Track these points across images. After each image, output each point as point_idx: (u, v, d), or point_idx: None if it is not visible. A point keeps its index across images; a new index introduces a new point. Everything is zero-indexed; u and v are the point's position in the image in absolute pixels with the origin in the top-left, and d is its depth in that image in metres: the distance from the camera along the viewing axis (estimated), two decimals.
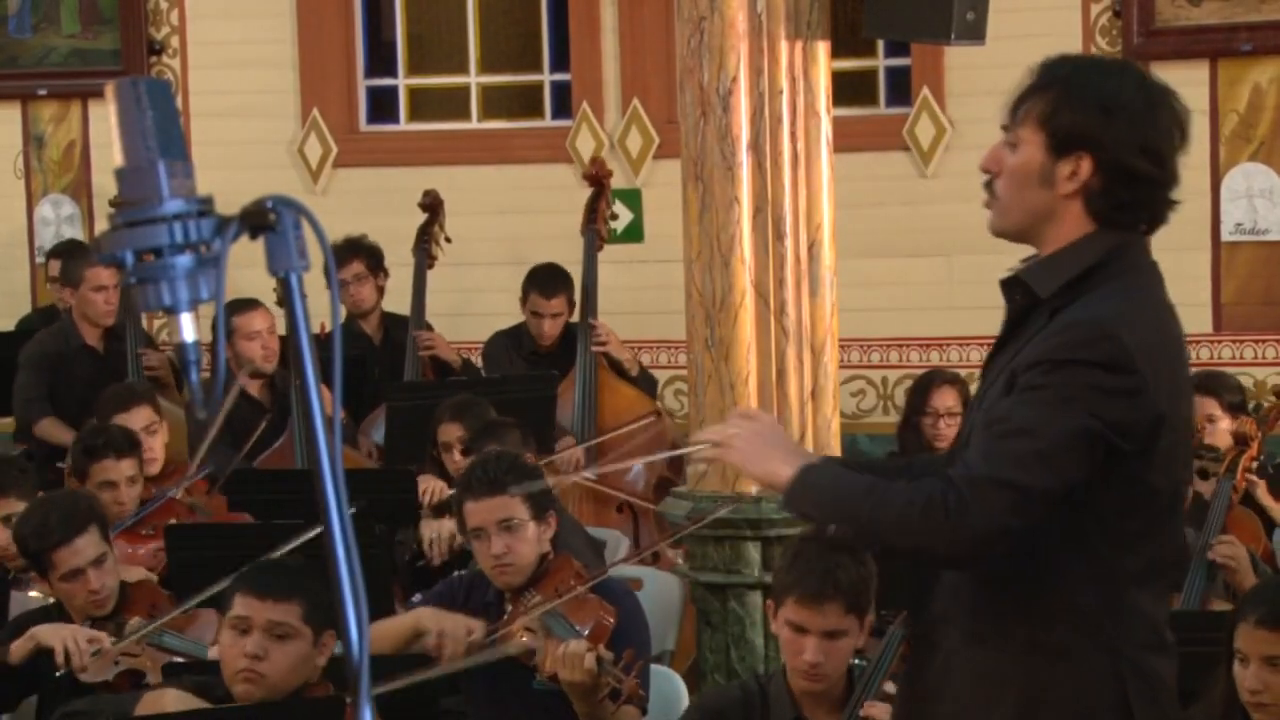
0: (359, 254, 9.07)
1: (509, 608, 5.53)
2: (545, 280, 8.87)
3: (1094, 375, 3.41)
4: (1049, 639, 3.50)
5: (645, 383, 8.89)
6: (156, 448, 7.52)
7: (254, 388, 8.41)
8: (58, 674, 5.50)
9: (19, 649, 5.51)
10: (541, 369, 8.65)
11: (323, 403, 2.40)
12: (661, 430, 8.53)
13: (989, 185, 3.61)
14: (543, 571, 5.55)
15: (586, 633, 5.31)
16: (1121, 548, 3.51)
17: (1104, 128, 3.50)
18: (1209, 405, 7.70)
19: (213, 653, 5.30)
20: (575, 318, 8.87)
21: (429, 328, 9.10)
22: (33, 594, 6.29)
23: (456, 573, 5.96)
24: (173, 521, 6.78)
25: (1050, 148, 3.52)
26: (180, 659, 5.57)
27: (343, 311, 9.05)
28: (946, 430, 7.68)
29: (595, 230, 8.84)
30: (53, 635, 5.50)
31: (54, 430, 8.63)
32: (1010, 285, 3.63)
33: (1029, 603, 3.51)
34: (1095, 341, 3.44)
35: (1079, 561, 3.48)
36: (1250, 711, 4.57)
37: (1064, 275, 3.52)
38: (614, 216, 9.02)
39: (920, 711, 3.70)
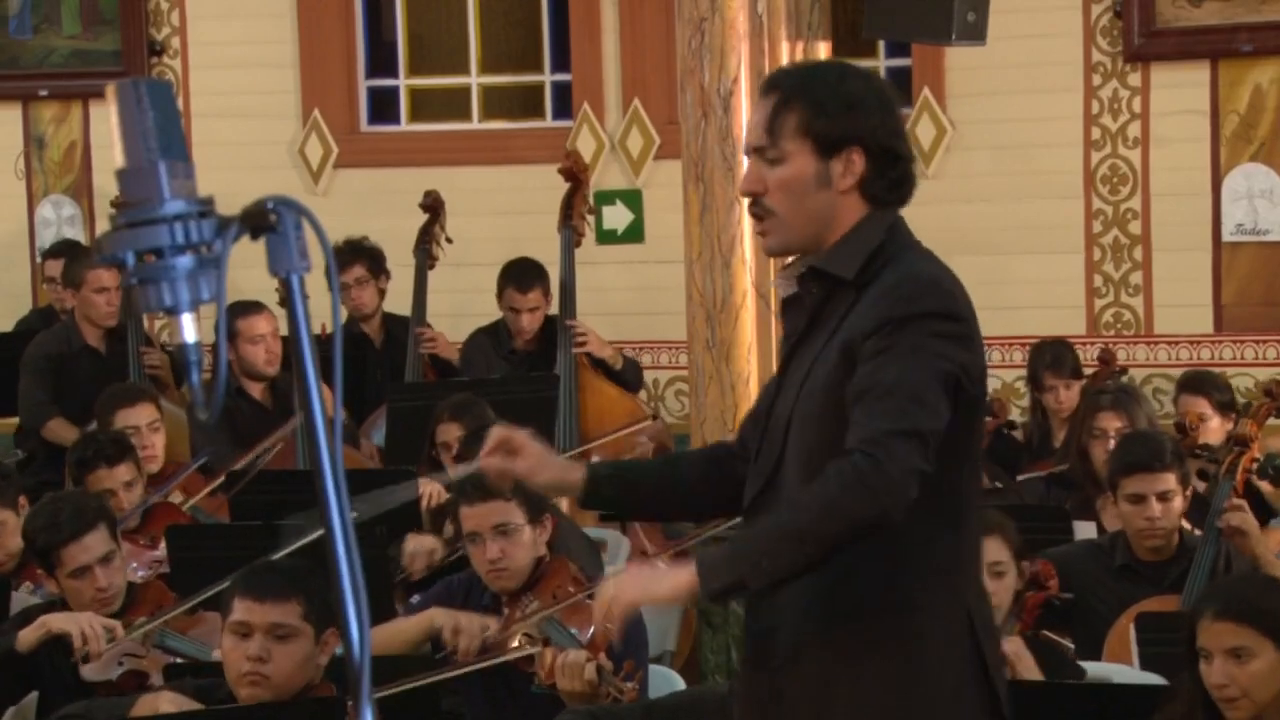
0: (361, 257, 9.04)
1: (505, 611, 5.53)
2: (519, 274, 8.81)
3: (934, 324, 3.58)
4: (904, 598, 3.62)
5: (631, 373, 8.79)
6: (158, 445, 7.53)
7: (256, 390, 8.40)
8: (72, 660, 5.48)
9: (29, 636, 5.49)
10: (521, 368, 8.62)
11: (324, 403, 2.40)
12: (658, 431, 8.49)
13: (757, 206, 3.72)
14: (539, 575, 5.55)
15: (586, 640, 5.30)
16: (960, 494, 3.67)
17: (861, 121, 3.67)
18: (1199, 404, 7.72)
19: (215, 655, 5.30)
20: (555, 311, 8.80)
21: (429, 328, 9.09)
22: (29, 594, 6.29)
23: (456, 575, 5.95)
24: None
25: (818, 152, 3.67)
26: (182, 660, 5.57)
27: (343, 313, 9.04)
28: None
29: (573, 227, 8.76)
30: (68, 621, 5.49)
31: (63, 430, 8.61)
32: (803, 281, 3.73)
33: (880, 567, 3.60)
34: (927, 292, 3.61)
35: (925, 520, 3.58)
36: (1223, 709, 4.55)
37: (860, 255, 3.68)
38: (591, 211, 8.94)
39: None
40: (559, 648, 5.23)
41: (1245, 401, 8.36)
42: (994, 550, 5.39)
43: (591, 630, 5.35)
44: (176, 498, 7.39)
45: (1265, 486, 7.09)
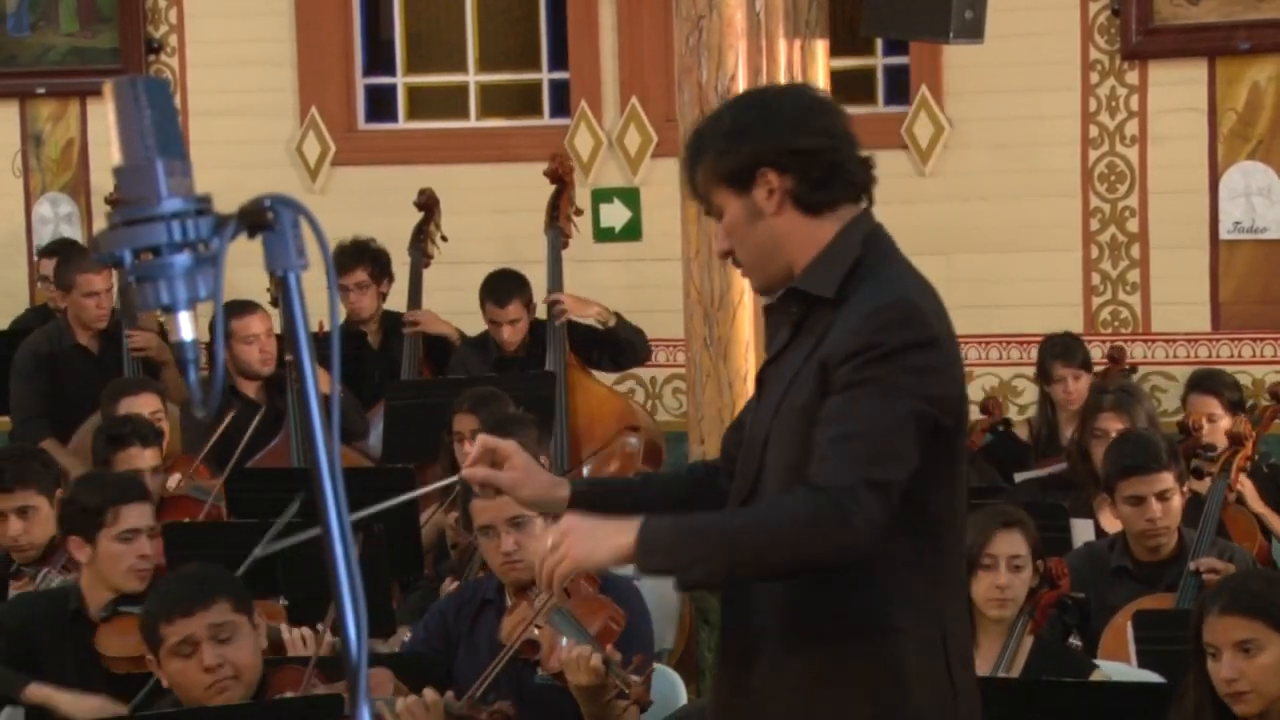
0: (364, 260, 8.95)
1: (510, 602, 5.52)
2: (498, 288, 8.72)
3: (911, 357, 3.54)
4: (883, 621, 3.60)
5: (627, 331, 8.70)
6: (161, 436, 7.55)
7: (250, 389, 8.37)
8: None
9: (36, 696, 5.52)
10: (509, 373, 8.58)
11: (320, 394, 2.39)
12: (649, 431, 8.45)
13: (732, 259, 3.80)
14: None
15: (594, 633, 5.29)
16: (938, 519, 3.64)
17: (753, 143, 3.67)
18: (1209, 404, 7.70)
19: None
20: (543, 315, 8.75)
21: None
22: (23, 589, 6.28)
23: (445, 597, 5.91)
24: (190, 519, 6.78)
25: (736, 191, 3.69)
26: None
27: (341, 312, 9.02)
28: None
29: (559, 229, 8.69)
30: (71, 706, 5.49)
31: (54, 452, 8.53)
32: (786, 300, 3.73)
33: (860, 591, 3.60)
34: (905, 322, 3.56)
35: (906, 543, 3.58)
36: (1230, 704, 4.54)
37: (839, 271, 3.65)
38: (578, 213, 8.88)
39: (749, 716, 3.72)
40: (562, 635, 5.21)
41: (1251, 402, 8.36)
42: (1013, 544, 5.40)
43: (600, 626, 5.34)
44: (174, 480, 7.39)
45: (1261, 509, 7.05)
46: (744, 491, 3.69)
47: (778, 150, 3.65)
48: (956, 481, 3.68)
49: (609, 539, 3.51)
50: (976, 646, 5.36)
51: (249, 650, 4.82)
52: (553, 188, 8.72)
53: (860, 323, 3.55)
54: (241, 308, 8.25)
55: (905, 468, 3.49)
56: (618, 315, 8.61)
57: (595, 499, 3.82)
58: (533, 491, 3.79)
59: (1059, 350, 8.23)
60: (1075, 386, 8.13)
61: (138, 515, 5.73)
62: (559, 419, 8.34)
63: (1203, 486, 6.75)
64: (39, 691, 5.56)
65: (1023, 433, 8.50)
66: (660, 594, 6.65)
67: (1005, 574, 5.38)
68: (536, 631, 5.31)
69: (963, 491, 3.74)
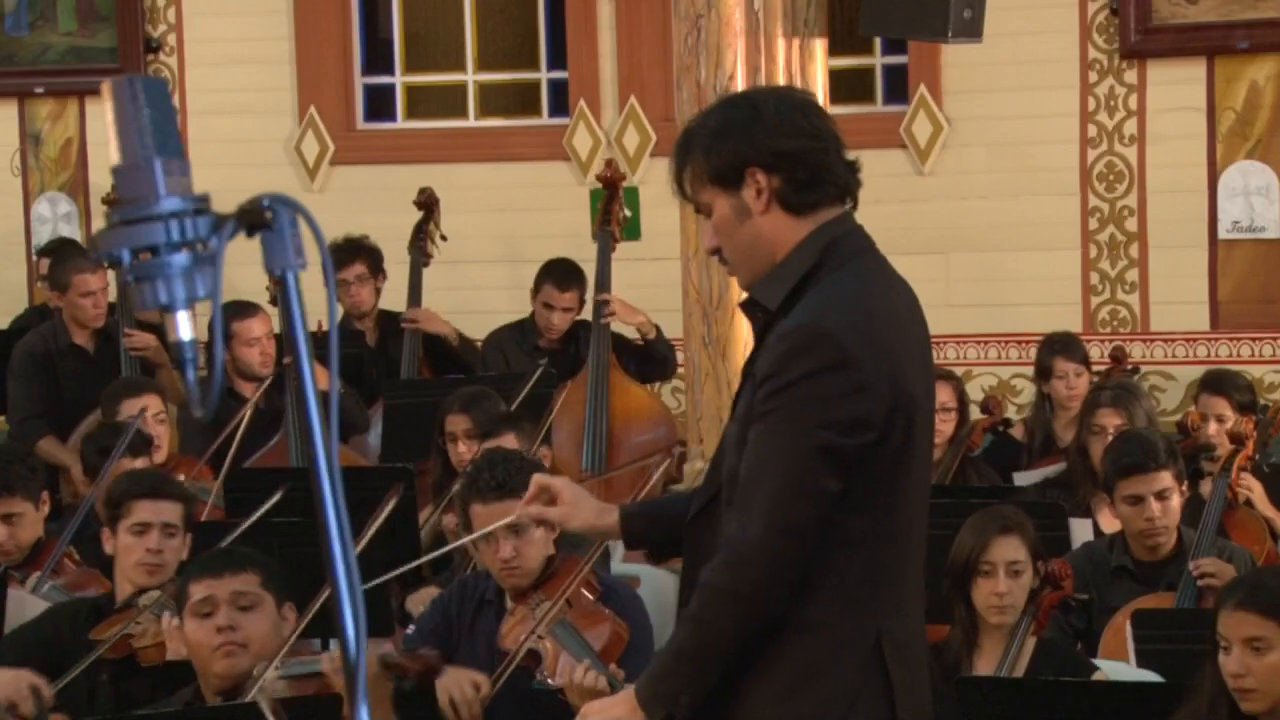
0: (361, 255, 9.01)
1: (510, 604, 5.52)
2: (561, 273, 8.82)
3: (810, 386, 3.57)
4: (812, 619, 3.66)
5: (665, 347, 8.78)
6: (163, 435, 7.54)
7: (248, 390, 8.37)
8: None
9: None
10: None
11: (319, 391, 2.39)
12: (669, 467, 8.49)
13: (719, 256, 3.82)
14: (549, 574, 5.54)
15: (599, 648, 5.28)
16: (876, 534, 3.67)
17: (739, 142, 3.73)
18: (1219, 404, 7.68)
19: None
20: (588, 315, 8.80)
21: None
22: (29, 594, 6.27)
23: (445, 591, 5.91)
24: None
25: (725, 190, 3.74)
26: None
27: (339, 310, 9.03)
28: (941, 425, 7.68)
29: (609, 232, 8.81)
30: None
31: (53, 450, 8.52)
32: (748, 307, 3.82)
33: (798, 596, 3.66)
34: (806, 349, 3.59)
35: (841, 552, 3.64)
36: (1236, 698, 4.54)
37: (787, 284, 3.70)
38: (626, 218, 8.95)
39: None
40: (565, 649, 5.21)
41: (1265, 403, 8.35)
42: (1011, 550, 5.37)
43: (605, 640, 5.33)
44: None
45: (1270, 512, 7.03)
46: (711, 490, 3.78)
47: (764, 150, 3.70)
48: (891, 495, 3.68)
49: (614, 710, 3.79)
50: (979, 649, 5.35)
51: (266, 625, 4.85)
52: (605, 192, 8.80)
53: (774, 344, 3.64)
54: (243, 309, 8.24)
55: (814, 502, 3.56)
56: (658, 328, 8.68)
57: (644, 518, 3.98)
58: (583, 521, 3.95)
59: (1060, 346, 8.18)
60: (1077, 383, 8.08)
61: (148, 510, 5.70)
62: (598, 419, 8.39)
63: (1208, 488, 6.74)
64: None
65: (1018, 433, 8.46)
66: (659, 592, 6.65)
67: (1004, 580, 5.34)
68: (539, 643, 5.31)
69: (911, 498, 3.73)
